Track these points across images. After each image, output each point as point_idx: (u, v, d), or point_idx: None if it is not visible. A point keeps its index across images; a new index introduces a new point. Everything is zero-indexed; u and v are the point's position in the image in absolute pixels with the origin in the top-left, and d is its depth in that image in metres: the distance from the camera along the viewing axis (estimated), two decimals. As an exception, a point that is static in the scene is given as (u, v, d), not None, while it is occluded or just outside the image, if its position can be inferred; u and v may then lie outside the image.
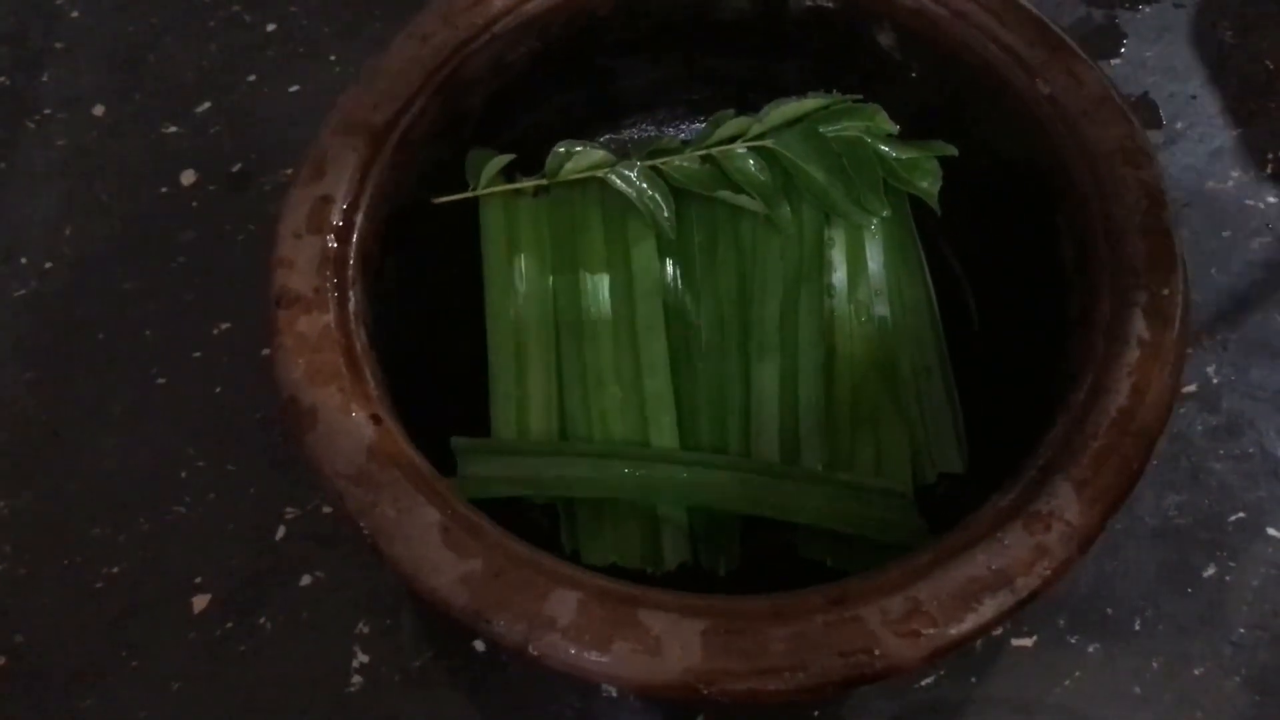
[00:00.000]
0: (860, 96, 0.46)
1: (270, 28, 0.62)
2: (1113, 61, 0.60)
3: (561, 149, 0.45)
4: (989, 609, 0.33)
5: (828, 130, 0.45)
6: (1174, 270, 0.39)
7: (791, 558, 0.43)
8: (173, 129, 0.59)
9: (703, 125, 0.51)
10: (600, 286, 0.45)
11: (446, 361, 0.45)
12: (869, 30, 0.47)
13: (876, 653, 0.32)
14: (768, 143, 0.45)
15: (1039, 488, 0.35)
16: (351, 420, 0.36)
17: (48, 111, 0.60)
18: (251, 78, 0.61)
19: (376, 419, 0.37)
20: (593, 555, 0.42)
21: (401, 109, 0.43)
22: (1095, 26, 0.61)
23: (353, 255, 0.40)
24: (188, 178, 0.58)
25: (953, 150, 0.45)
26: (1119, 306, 0.39)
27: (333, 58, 0.61)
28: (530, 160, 0.46)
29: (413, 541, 0.34)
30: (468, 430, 0.43)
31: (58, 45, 0.63)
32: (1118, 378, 0.37)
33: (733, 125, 0.46)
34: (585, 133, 0.51)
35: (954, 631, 0.33)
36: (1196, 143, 0.57)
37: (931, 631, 0.33)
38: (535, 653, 0.33)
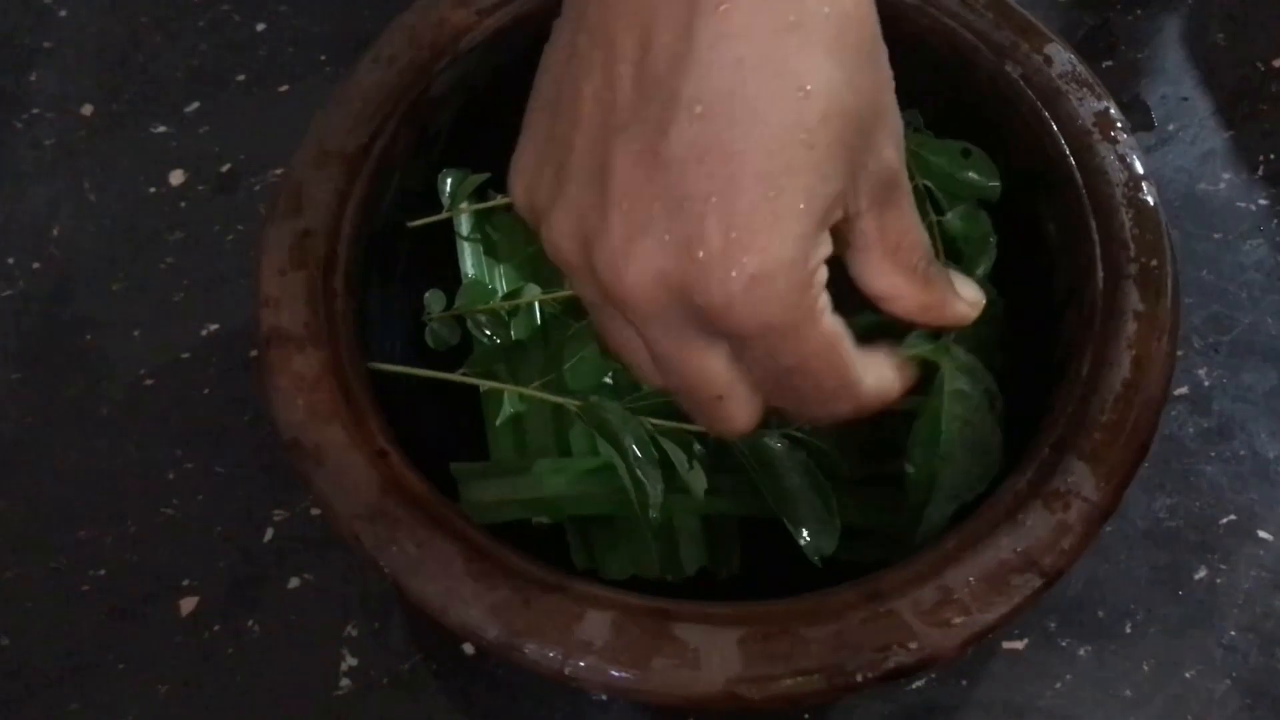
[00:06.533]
0: None
1: (260, 27, 0.62)
2: (1104, 64, 0.60)
3: None
4: (1019, 592, 0.34)
5: None
6: (1161, 240, 0.40)
7: (793, 554, 0.42)
8: (161, 129, 0.59)
9: None
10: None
11: (439, 385, 0.43)
12: None
13: (913, 645, 0.33)
14: None
15: (1054, 466, 0.36)
16: (359, 457, 0.36)
17: (35, 111, 0.60)
18: (241, 77, 0.60)
19: (383, 454, 0.36)
20: (613, 569, 0.42)
21: (374, 135, 0.42)
22: (1087, 29, 0.61)
23: (340, 288, 0.39)
24: (176, 178, 0.57)
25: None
26: (1112, 280, 0.39)
27: (323, 57, 0.61)
28: (498, 171, 0.46)
29: (437, 576, 0.34)
30: (467, 453, 0.42)
31: (46, 44, 0.62)
32: (1118, 350, 0.38)
33: None
34: None
35: (988, 617, 0.33)
36: (1188, 145, 0.57)
37: (965, 619, 0.33)
38: (574, 678, 0.32)
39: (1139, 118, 0.58)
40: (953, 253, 0.44)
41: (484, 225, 0.45)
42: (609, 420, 0.39)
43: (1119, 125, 0.42)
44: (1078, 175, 0.41)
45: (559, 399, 0.41)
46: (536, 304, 0.44)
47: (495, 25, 0.44)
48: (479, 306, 0.44)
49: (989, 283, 0.43)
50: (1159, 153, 0.57)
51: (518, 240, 0.45)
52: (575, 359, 0.42)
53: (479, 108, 0.46)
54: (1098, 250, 0.40)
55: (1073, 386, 0.38)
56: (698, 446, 0.40)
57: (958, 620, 0.33)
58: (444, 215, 0.45)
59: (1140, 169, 0.41)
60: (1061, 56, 0.43)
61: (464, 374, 0.42)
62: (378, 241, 0.42)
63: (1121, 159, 0.41)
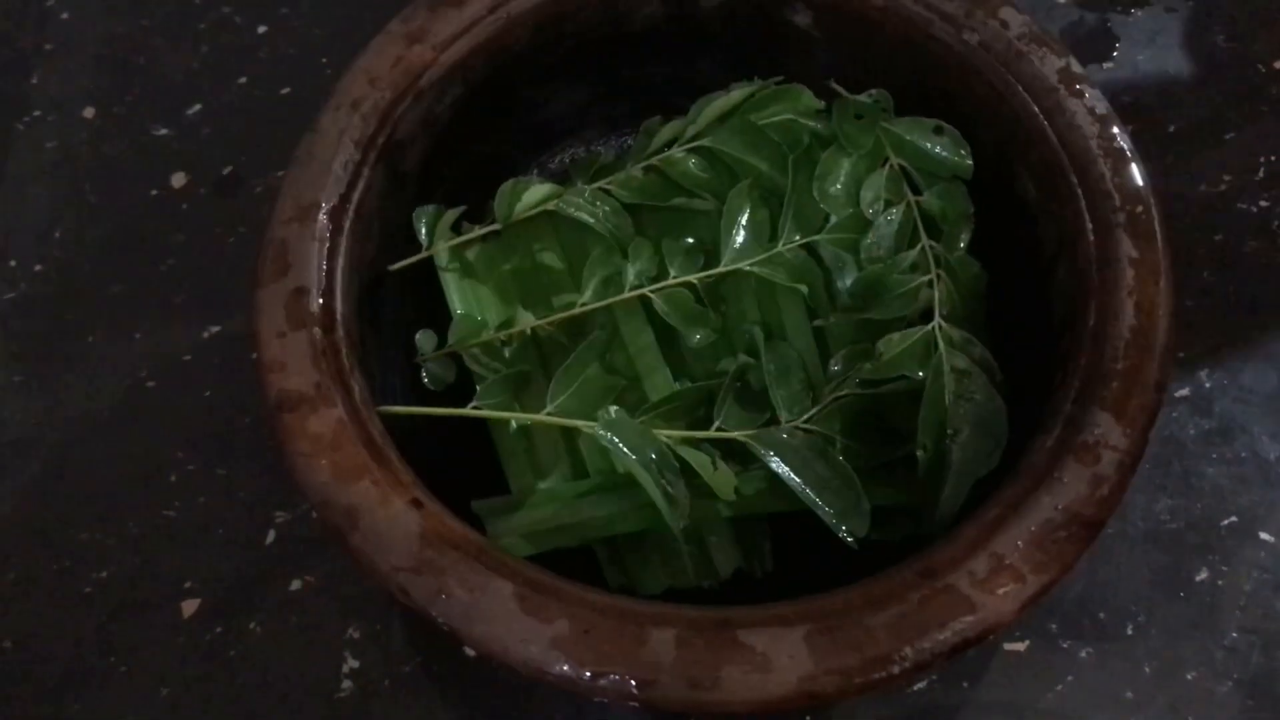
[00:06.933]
0: (781, 79, 0.46)
1: (261, 29, 0.62)
2: (1105, 65, 0.60)
3: (507, 189, 0.45)
4: (1067, 548, 0.34)
5: (758, 118, 0.45)
6: (1143, 186, 0.40)
7: (822, 542, 0.42)
8: (163, 131, 0.59)
9: (630, 138, 0.51)
10: (578, 310, 0.43)
11: (440, 423, 0.43)
12: (782, 13, 0.48)
13: (974, 617, 0.33)
14: (705, 142, 0.45)
15: (1079, 420, 0.37)
16: (394, 511, 0.35)
17: (37, 114, 0.60)
18: (242, 80, 0.61)
19: (418, 503, 0.36)
20: (649, 584, 0.41)
21: (350, 184, 0.42)
22: (1087, 30, 0.61)
23: (342, 342, 0.39)
24: (178, 180, 0.58)
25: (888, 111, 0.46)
26: (1102, 231, 0.40)
27: (324, 60, 0.61)
28: (469, 201, 0.46)
29: (493, 618, 0.33)
30: (474, 488, 0.42)
31: (47, 47, 0.62)
32: (1121, 299, 0.39)
33: (666, 131, 0.46)
34: (518, 167, 0.51)
35: (1043, 578, 0.34)
36: (1189, 146, 0.57)
37: (1021, 583, 0.34)
38: (647, 700, 0.32)
39: (1140, 119, 0.58)
40: (933, 230, 0.44)
41: (461, 252, 0.45)
42: (628, 437, 0.39)
43: (1083, 79, 0.43)
44: (1051, 133, 0.42)
45: (573, 422, 0.41)
46: (530, 330, 0.44)
47: (451, 59, 0.44)
48: (473, 341, 0.44)
49: (970, 256, 0.44)
50: (1159, 154, 0.57)
51: (496, 259, 0.45)
52: (580, 380, 0.42)
53: (444, 142, 0.46)
54: (1083, 203, 0.41)
55: (1082, 340, 0.39)
56: (714, 451, 0.40)
57: (1014, 586, 0.34)
58: (424, 255, 0.45)
59: (1111, 119, 0.42)
60: (1016, 19, 0.44)
61: (475, 407, 0.42)
62: (365, 289, 0.42)
63: (1090, 111, 0.42)
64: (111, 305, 0.54)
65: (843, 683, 0.32)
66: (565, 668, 0.33)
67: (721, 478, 0.39)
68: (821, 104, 0.46)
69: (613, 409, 0.40)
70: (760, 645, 0.33)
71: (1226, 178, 0.56)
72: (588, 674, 0.32)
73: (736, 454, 0.41)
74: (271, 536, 0.48)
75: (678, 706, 0.32)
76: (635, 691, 0.32)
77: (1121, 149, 0.41)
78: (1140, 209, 0.40)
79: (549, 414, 0.41)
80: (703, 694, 0.32)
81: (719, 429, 0.40)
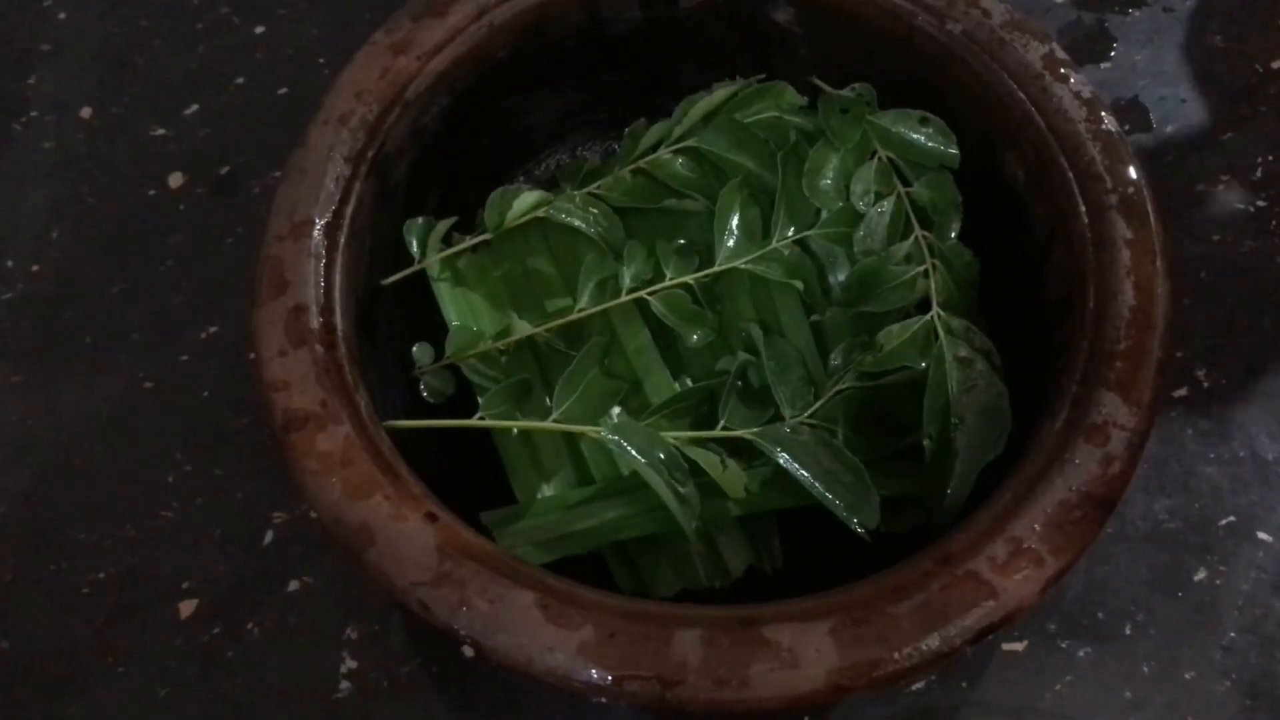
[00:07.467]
0: (764, 76, 0.46)
1: (259, 30, 0.62)
2: (1102, 65, 0.60)
3: (496, 198, 0.45)
4: (1084, 528, 0.34)
5: (743, 116, 0.45)
6: (1132, 165, 0.41)
7: (829, 537, 0.42)
8: (160, 131, 0.59)
9: (615, 142, 0.51)
10: (575, 315, 0.43)
11: (436, 435, 0.43)
12: (763, 10, 0.48)
13: (995, 602, 0.33)
14: (691, 142, 0.45)
15: (1086, 401, 0.37)
16: (409, 526, 0.35)
17: (34, 114, 0.60)
18: (240, 80, 0.61)
19: (433, 516, 0.35)
20: (662, 587, 0.41)
21: (341, 199, 0.41)
22: (1085, 30, 0.61)
23: (344, 358, 0.39)
24: (175, 180, 0.57)
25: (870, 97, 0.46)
26: (1095, 213, 0.40)
27: (321, 60, 0.61)
28: (457, 211, 0.46)
29: (516, 628, 0.33)
30: (477, 498, 0.41)
31: (45, 47, 0.62)
32: (1119, 279, 0.39)
33: (653, 133, 0.46)
34: (504, 176, 0.51)
35: (1062, 559, 0.34)
36: (1186, 146, 0.57)
37: (1040, 566, 0.34)
38: (676, 701, 0.32)
39: (1137, 119, 0.58)
40: (923, 220, 0.44)
41: (453, 263, 0.45)
42: (635, 440, 0.39)
43: (1068, 63, 0.43)
44: (1039, 118, 0.42)
45: (580, 428, 0.40)
46: (529, 338, 0.44)
47: (437, 69, 0.44)
48: (471, 352, 0.43)
49: (961, 244, 0.44)
50: (1157, 154, 0.57)
51: (488, 268, 0.45)
52: (583, 386, 0.42)
53: (432, 153, 0.46)
54: (1075, 187, 0.41)
55: (1082, 322, 0.39)
56: (720, 450, 0.40)
57: (1034, 568, 0.34)
58: (417, 268, 0.44)
59: (1098, 102, 0.42)
60: (997, 8, 0.44)
61: (481, 418, 0.42)
62: (365, 303, 0.42)
63: (1076, 95, 0.42)
64: (109, 305, 0.54)
65: (870, 674, 0.32)
66: (592, 674, 0.32)
67: (731, 476, 0.39)
68: (804, 100, 0.46)
69: (615, 412, 0.40)
70: (786, 641, 0.33)
71: (1224, 178, 0.56)
72: (613, 679, 0.32)
73: (741, 452, 0.41)
74: (269, 537, 0.48)
75: (705, 707, 0.32)
76: (664, 694, 0.32)
77: (1109, 131, 0.41)
78: (1131, 189, 0.40)
79: (555, 421, 0.41)
80: (730, 693, 0.32)
81: (724, 428, 0.41)
